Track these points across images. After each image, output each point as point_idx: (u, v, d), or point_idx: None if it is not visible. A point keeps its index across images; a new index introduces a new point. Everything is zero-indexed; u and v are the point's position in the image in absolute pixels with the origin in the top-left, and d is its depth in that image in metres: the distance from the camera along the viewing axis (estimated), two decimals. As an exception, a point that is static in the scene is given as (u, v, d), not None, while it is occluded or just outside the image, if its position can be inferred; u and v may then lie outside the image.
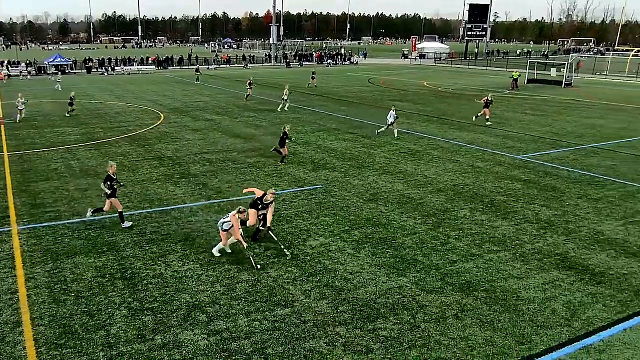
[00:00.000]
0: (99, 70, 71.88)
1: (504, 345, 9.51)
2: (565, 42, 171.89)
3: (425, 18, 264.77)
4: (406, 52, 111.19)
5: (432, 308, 10.67)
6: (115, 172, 14.60)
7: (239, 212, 12.50)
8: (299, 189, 18.17)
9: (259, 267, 12.21)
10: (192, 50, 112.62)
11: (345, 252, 13.19)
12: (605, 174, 20.65)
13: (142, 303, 10.73)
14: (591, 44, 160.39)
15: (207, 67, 74.16)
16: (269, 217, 13.63)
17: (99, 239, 13.90)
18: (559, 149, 24.89)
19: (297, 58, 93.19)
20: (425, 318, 10.30)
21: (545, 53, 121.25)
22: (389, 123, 26.92)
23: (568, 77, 55.60)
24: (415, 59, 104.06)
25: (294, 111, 35.40)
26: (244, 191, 15.68)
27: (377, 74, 68.72)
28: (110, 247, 13.36)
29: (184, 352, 9.24)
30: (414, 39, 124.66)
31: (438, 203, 16.92)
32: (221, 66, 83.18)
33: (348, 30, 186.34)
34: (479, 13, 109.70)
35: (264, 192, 13.87)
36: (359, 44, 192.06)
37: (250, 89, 41.50)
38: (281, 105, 36.17)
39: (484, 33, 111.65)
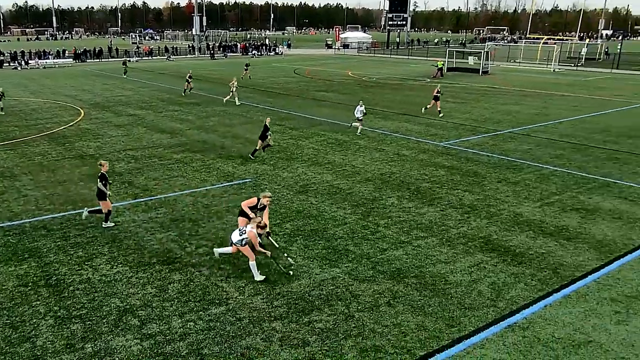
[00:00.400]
0: (11, 64, 68.31)
1: (435, 329, 9.77)
2: (481, 31, 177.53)
3: (348, 8, 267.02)
4: (329, 42, 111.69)
5: (365, 297, 10.81)
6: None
7: (258, 226, 11.33)
8: (228, 184, 17.95)
9: (290, 273, 11.67)
10: (111, 41, 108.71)
11: (277, 245, 13.13)
12: (521, 157, 21.52)
13: (69, 310, 10.31)
14: (505, 33, 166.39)
15: (128, 59, 71.89)
16: (266, 220, 12.20)
17: (19, 245, 13.23)
18: (478, 135, 25.72)
19: (221, 49, 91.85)
20: (359, 307, 10.43)
21: (463, 42, 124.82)
22: (357, 118, 25.91)
23: (484, 65, 57.51)
24: (339, 48, 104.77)
25: (219, 104, 34.90)
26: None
27: (302, 65, 68.71)
28: (32, 254, 12.74)
29: (117, 359, 8.96)
30: (337, 29, 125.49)
31: (366, 192, 17.13)
32: (143, 58, 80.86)
33: (272, 20, 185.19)
34: (399, 3, 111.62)
35: (256, 197, 12.47)
36: (283, 34, 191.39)
37: (190, 82, 40.09)
38: (227, 97, 35.27)
39: (404, 22, 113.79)
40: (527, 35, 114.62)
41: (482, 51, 59.82)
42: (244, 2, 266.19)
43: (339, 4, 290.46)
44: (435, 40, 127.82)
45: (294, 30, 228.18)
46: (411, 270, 11.95)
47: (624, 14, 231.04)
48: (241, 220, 12.31)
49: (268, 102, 35.68)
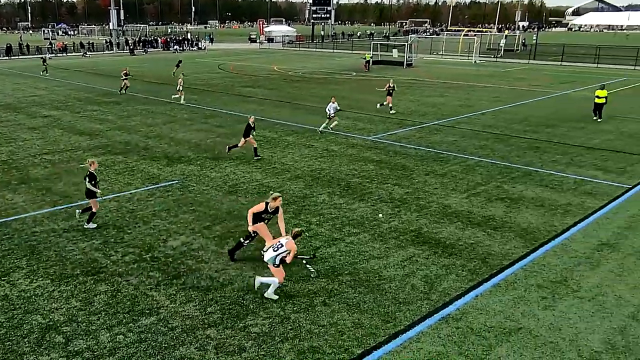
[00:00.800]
0: None
1: (371, 325, 9.87)
2: (404, 24, 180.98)
3: (271, 1, 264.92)
4: (253, 36, 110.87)
5: (300, 297, 10.80)
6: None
7: (294, 236, 10.81)
8: (153, 186, 17.49)
9: (315, 274, 11.61)
10: (21, 37, 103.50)
11: (208, 249, 12.92)
12: (447, 149, 22.09)
13: (-13, 329, 9.74)
14: (427, 25, 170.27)
15: (48, 56, 68.68)
16: (282, 226, 11.75)
17: None
18: (405, 128, 26.21)
19: (141, 44, 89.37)
20: (295, 308, 10.40)
21: (387, 34, 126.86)
22: (329, 115, 24.75)
23: (408, 57, 58.67)
24: (262, 43, 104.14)
25: (141, 102, 33.96)
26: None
27: (226, 60, 67.87)
28: (-57, 269, 11.96)
29: (41, 377, 8.54)
30: (260, 22, 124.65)
31: (297, 190, 17.12)
32: (57, 55, 77.56)
33: (193, 13, 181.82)
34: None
35: (264, 202, 11.81)
36: (205, 28, 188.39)
37: (126, 79, 37.85)
38: (176, 96, 34.08)
39: (328, 15, 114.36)
40: (449, 28, 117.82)
41: (406, 44, 61.01)
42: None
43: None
44: (359, 34, 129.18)
45: (217, 24, 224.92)
46: (345, 267, 12.03)
47: (539, 6, 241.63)
48: (256, 227, 11.78)
49: (192, 99, 35.01)
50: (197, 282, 11.35)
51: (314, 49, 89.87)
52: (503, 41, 78.31)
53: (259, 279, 10.96)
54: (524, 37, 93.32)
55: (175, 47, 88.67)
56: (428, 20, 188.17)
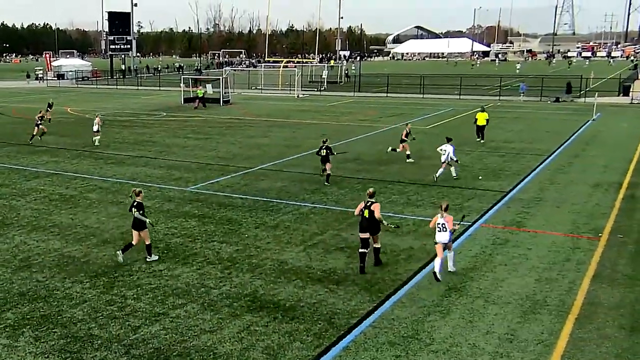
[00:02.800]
0: None
1: (209, 416, 9.52)
2: (217, 55, 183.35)
3: (59, 29, 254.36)
4: (39, 73, 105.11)
5: (120, 392, 10.14)
6: None
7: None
8: None
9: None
10: None
11: (-4, 344, 11.73)
12: (277, 197, 22.46)
13: None
14: (242, 55, 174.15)
15: None
16: (377, 215, 15.18)
17: None
18: (228, 175, 26.28)
19: None
20: (114, 407, 9.73)
21: (198, 67, 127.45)
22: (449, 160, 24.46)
23: (225, 93, 59.32)
24: (42, 80, 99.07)
25: None
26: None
27: (6, 101, 63.49)
28: None
29: None
30: (47, 55, 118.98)
31: (106, 258, 16.29)
32: None
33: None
34: (120, 22, 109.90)
35: (362, 204, 15.60)
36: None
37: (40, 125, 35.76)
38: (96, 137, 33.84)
39: (129, 46, 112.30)
40: (266, 58, 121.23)
41: (221, 77, 61.71)
42: None
43: (47, 24, 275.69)
44: (159, 67, 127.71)
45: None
46: (173, 347, 11.56)
47: (359, 34, 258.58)
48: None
49: (-36, 153, 32.14)
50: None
51: (115, 86, 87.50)
52: (325, 73, 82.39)
53: (439, 267, 14.54)
54: (347, 68, 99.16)
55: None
56: (243, 50, 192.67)
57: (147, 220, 15.83)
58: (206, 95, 57.34)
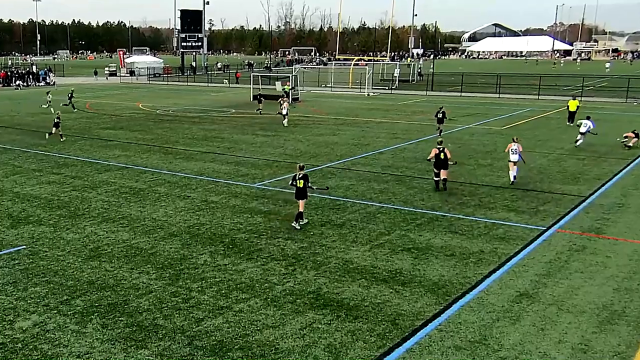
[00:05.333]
0: None
1: (269, 410, 9.68)
2: (287, 52, 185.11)
3: (132, 27, 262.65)
4: (113, 69, 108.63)
5: (183, 382, 10.42)
6: None
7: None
8: (-7, 255, 16.43)
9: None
10: None
11: (67, 329, 12.23)
12: (344, 195, 22.53)
13: None
14: (312, 54, 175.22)
15: None
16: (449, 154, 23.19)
17: None
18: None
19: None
20: (176, 397, 10.02)
21: (268, 65, 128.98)
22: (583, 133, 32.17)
23: (294, 91, 59.85)
24: (113, 75, 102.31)
25: (-26, 151, 32.09)
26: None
27: (80, 97, 65.88)
28: None
29: None
30: (121, 52, 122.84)
31: (173, 250, 16.72)
32: None
33: (38, 41, 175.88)
34: (192, 20, 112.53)
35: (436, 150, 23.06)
36: (54, 58, 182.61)
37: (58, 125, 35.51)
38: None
39: (200, 44, 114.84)
40: (337, 57, 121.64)
41: (291, 75, 62.29)
42: (1, 19, 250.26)
43: (122, 21, 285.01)
44: (218, 65, 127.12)
45: (67, 55, 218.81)
46: (235, 341, 11.79)
47: (433, 32, 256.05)
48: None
49: (40, 145, 33.55)
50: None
51: (185, 83, 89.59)
52: (397, 71, 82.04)
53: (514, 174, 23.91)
54: (420, 66, 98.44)
55: (17, 82, 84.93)
56: (313, 48, 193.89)
57: (315, 187, 19.35)
58: (276, 93, 57.86)
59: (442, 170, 23.03)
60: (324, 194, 21.93)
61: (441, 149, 22.86)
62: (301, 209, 18.89)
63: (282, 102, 42.96)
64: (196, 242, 17.39)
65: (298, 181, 18.82)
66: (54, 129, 35.19)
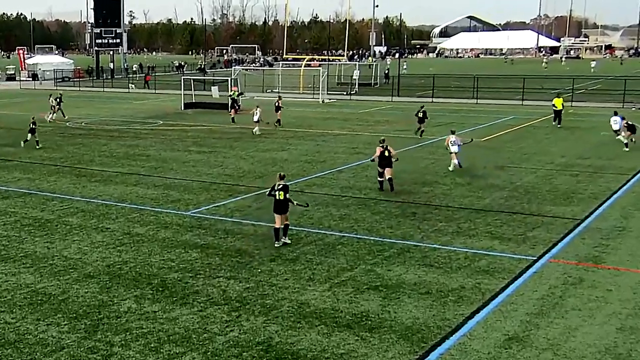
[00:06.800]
0: None
1: None
2: (225, 51, 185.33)
3: (35, 19, 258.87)
4: (11, 72, 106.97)
5: None
6: None
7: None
8: None
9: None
10: None
11: (-45, 399, 11.86)
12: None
13: None
14: (256, 53, 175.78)
15: None
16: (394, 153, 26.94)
17: None
18: (237, 197, 26.45)
19: None
20: None
21: (202, 66, 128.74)
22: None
23: (242, 96, 59.85)
24: (11, 79, 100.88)
25: None
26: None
27: (-31, 107, 64.73)
28: None
29: None
30: (20, 51, 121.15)
31: (89, 296, 16.45)
32: None
33: None
34: (108, 12, 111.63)
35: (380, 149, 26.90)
36: None
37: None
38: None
39: (118, 41, 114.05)
40: (285, 56, 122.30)
41: (230, 79, 62.28)
42: None
43: (21, 13, 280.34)
44: (134, 67, 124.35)
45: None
46: (168, 406, 11.60)
47: (397, 26, 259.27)
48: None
49: None
50: None
51: (101, 89, 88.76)
52: (357, 73, 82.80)
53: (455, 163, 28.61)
54: (387, 67, 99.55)
55: None
56: (256, 46, 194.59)
57: (295, 202, 20.01)
58: (213, 100, 57.78)
59: (386, 169, 26.55)
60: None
61: (385, 147, 26.58)
62: (285, 223, 20.14)
63: (255, 110, 44.66)
64: (118, 285, 17.12)
65: (278, 192, 19.50)
66: (29, 135, 37.80)
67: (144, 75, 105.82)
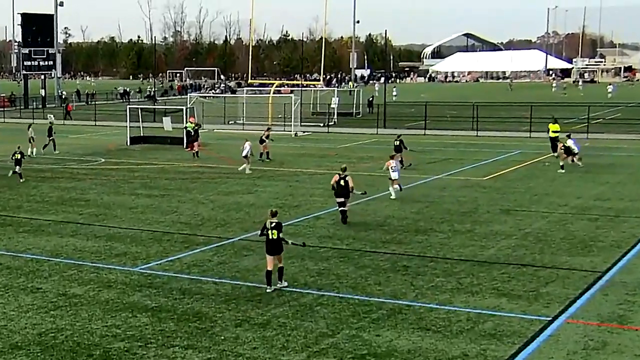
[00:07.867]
0: None
1: None
2: (178, 75, 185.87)
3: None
4: None
5: None
6: None
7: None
8: None
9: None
10: None
11: None
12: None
13: None
14: (217, 77, 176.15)
15: None
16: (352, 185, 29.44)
17: None
18: (195, 249, 26.32)
19: None
20: None
21: (152, 93, 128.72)
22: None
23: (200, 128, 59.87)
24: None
25: None
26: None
27: None
28: None
29: None
30: None
31: (16, 371, 16.27)
32: None
33: None
34: (39, 29, 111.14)
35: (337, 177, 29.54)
36: None
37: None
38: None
39: (51, 62, 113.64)
40: (249, 81, 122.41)
41: (185, 108, 62.34)
42: None
43: None
44: (63, 94, 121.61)
45: None
46: None
47: (382, 45, 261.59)
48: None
49: None
50: None
51: (30, 120, 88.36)
52: (336, 100, 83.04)
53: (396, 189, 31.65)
54: (373, 94, 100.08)
55: None
56: (216, 69, 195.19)
57: (290, 242, 21.56)
58: (165, 133, 57.75)
59: (344, 199, 29.41)
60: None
61: (343, 176, 29.17)
62: (279, 264, 21.20)
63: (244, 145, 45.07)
64: (51, 358, 16.90)
65: (271, 231, 20.43)
66: (17, 167, 40.66)
67: (87, 103, 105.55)
